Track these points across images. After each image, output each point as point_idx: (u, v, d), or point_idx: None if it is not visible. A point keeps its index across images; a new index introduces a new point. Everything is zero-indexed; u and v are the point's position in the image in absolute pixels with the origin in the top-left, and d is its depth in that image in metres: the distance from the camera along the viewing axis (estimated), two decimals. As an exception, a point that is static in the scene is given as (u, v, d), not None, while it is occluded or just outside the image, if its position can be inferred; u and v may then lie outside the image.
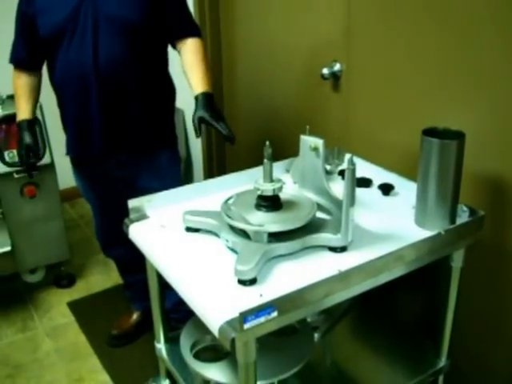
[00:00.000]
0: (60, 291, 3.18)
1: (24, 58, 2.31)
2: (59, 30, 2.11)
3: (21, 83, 2.34)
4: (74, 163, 2.44)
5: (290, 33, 2.55)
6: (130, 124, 2.24)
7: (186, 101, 2.45)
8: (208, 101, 2.10)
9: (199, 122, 2.05)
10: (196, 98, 2.12)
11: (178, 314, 2.16)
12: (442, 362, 1.89)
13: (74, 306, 3.02)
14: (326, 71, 2.31)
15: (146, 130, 2.28)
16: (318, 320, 2.05)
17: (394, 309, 2.17)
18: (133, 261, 2.04)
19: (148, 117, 2.27)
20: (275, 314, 1.28)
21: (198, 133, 2.05)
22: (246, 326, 1.24)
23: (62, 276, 3.22)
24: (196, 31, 2.28)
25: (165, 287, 1.75)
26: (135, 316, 2.81)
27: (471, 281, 1.84)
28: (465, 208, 1.68)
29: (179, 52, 2.27)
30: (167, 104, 2.39)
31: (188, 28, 2.27)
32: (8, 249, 2.88)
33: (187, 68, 2.22)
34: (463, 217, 1.66)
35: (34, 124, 2.39)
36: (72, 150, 2.36)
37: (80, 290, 3.19)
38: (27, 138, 2.32)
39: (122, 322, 2.81)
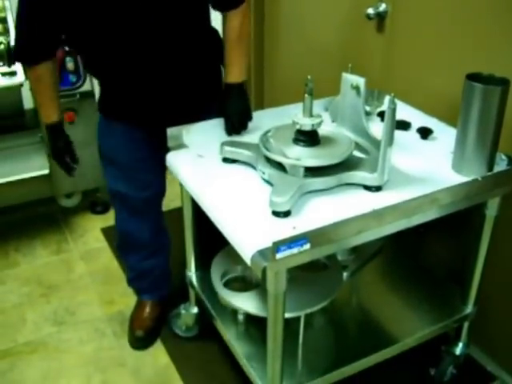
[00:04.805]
0: (94, 217, 3.24)
1: (42, 46, 1.87)
2: None
3: (46, 81, 1.95)
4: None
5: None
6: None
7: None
8: (244, 93, 1.92)
9: (238, 118, 1.87)
10: (231, 87, 1.90)
11: None
12: (469, 308, 1.91)
13: (108, 232, 3.08)
14: (371, 11, 2.26)
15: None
16: (348, 259, 2.08)
17: (423, 253, 2.18)
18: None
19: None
20: (308, 246, 1.30)
21: (233, 130, 1.87)
22: (279, 255, 1.26)
23: (97, 202, 3.27)
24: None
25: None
26: (150, 307, 2.43)
27: (503, 230, 1.84)
28: (503, 157, 1.67)
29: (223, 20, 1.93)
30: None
31: None
32: (46, 172, 2.92)
33: (226, 48, 1.90)
34: (501, 165, 1.66)
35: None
36: None
37: (114, 216, 3.24)
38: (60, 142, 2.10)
39: (142, 319, 2.42)
